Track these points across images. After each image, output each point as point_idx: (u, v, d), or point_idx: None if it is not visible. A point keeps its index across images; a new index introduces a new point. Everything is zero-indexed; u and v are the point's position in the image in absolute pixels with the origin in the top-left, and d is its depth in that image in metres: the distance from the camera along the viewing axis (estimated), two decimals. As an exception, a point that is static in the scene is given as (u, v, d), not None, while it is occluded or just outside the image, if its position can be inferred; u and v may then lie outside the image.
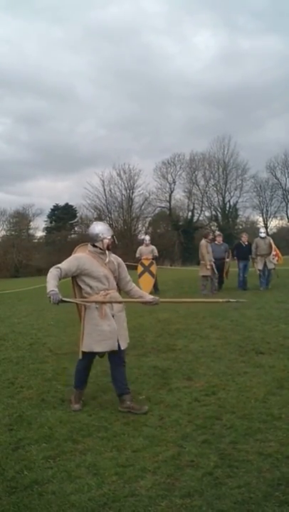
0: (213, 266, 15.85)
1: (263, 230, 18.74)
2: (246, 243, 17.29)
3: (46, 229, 64.18)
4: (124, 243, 54.43)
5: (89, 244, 5.68)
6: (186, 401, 5.50)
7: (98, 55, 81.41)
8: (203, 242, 16.17)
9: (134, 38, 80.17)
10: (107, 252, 5.61)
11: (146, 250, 17.75)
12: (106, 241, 5.59)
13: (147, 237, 18.98)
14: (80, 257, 5.54)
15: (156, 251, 17.96)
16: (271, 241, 16.71)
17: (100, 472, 3.92)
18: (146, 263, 17.25)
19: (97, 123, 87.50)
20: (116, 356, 5.54)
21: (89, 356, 5.59)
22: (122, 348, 5.53)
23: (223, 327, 9.67)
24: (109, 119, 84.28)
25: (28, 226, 64.74)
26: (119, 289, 5.76)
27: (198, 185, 61.79)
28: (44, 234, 63.41)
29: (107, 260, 5.58)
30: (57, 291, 5.13)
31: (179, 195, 62.63)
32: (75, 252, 5.81)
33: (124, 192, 59.56)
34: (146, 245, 17.93)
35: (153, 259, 17.47)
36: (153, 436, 4.56)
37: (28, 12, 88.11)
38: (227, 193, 61.55)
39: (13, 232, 63.13)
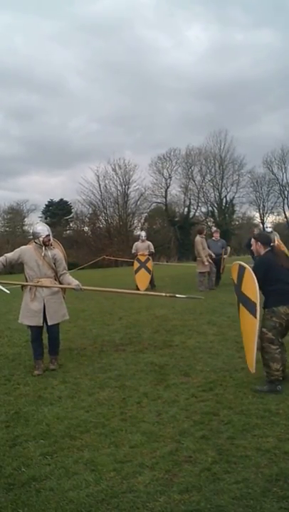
0: (210, 261, 15.86)
1: (269, 224, 18.71)
2: None
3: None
4: (120, 239, 54.45)
5: (33, 240, 7.28)
6: (184, 397, 5.50)
7: (89, 49, 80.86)
8: (198, 238, 16.15)
9: (126, 32, 79.66)
10: (44, 247, 7.06)
11: (143, 246, 17.75)
12: (41, 238, 7.07)
13: (143, 233, 18.97)
14: (23, 249, 7.13)
15: (152, 247, 17.96)
16: (277, 236, 16.65)
17: (98, 468, 3.92)
18: (143, 259, 17.25)
19: (89, 117, 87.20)
20: (49, 328, 7.07)
21: (32, 329, 7.05)
22: (50, 323, 6.99)
23: (220, 323, 9.68)
24: (102, 114, 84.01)
25: (22, 222, 64.54)
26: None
27: (194, 181, 61.77)
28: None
29: (43, 254, 7.04)
30: None
31: (175, 190, 62.59)
32: (28, 244, 7.39)
33: (119, 187, 59.43)
34: (143, 241, 17.93)
35: (149, 255, 17.46)
36: (151, 432, 4.56)
37: (16, 4, 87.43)
38: (223, 188, 61.54)
39: (7, 229, 62.90)
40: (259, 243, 5.86)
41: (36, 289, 7.00)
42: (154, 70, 78.54)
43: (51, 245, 7.22)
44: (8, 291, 7.68)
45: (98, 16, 77.70)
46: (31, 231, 7.30)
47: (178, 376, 6.31)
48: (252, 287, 5.40)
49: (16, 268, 7.78)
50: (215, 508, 3.25)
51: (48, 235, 7.12)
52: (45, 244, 7.07)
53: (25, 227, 61.37)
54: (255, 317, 5.23)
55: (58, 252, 7.26)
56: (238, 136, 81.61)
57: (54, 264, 7.11)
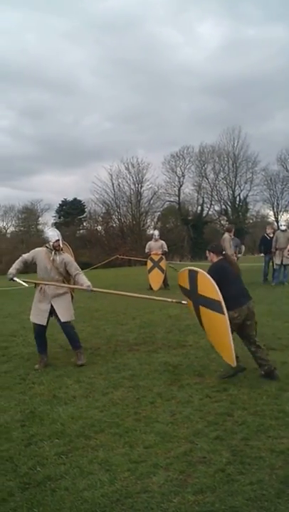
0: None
1: (283, 222, 18.62)
2: (271, 235, 17.17)
3: (55, 224, 64.24)
4: (133, 238, 54.44)
5: (45, 244, 7.62)
6: (198, 397, 5.51)
7: (101, 46, 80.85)
8: (226, 236, 15.94)
9: (138, 28, 79.67)
10: (53, 251, 7.37)
11: (156, 245, 17.73)
12: (51, 243, 7.40)
13: (156, 232, 18.94)
14: (36, 251, 7.53)
15: (165, 246, 17.92)
16: None
17: (113, 468, 3.94)
18: (156, 258, 17.23)
19: (102, 116, 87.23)
20: (63, 326, 7.43)
21: (36, 325, 7.44)
22: (63, 321, 7.34)
23: (233, 323, 9.65)
24: (114, 112, 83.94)
25: (36, 222, 64.84)
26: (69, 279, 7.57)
27: (207, 179, 61.36)
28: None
29: (51, 258, 7.36)
30: (12, 272, 7.39)
31: (188, 189, 62.27)
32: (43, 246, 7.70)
33: (132, 186, 59.26)
34: (156, 240, 17.91)
35: (162, 254, 17.44)
36: (165, 433, 4.57)
37: (28, 3, 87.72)
38: (237, 186, 60.95)
39: (21, 228, 63.28)
40: (212, 253, 6.33)
41: (45, 289, 7.40)
42: (166, 66, 78.37)
43: (61, 250, 7.47)
44: (26, 285, 7.98)
45: (110, 13, 77.74)
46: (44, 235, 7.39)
47: (192, 376, 6.32)
48: (210, 287, 5.67)
49: (30, 268, 7.86)
50: (229, 509, 3.26)
51: (58, 240, 7.39)
52: (55, 248, 7.38)
53: (40, 227, 61.69)
54: (223, 313, 5.53)
55: (66, 255, 7.52)
56: (251, 133, 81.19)
57: (65, 267, 7.39)
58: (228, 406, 5.17)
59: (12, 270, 7.42)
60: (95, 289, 7.41)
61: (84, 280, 7.32)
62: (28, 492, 3.65)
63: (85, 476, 3.84)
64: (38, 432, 4.80)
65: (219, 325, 5.69)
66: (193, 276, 6.09)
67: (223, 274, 5.96)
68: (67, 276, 7.53)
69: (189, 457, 4.05)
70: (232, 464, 3.89)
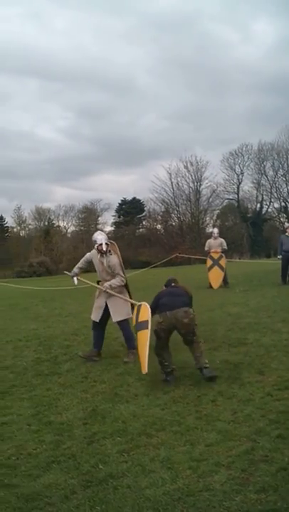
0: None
1: None
2: None
3: (115, 223, 64.84)
4: (192, 237, 54.29)
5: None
6: (259, 395, 5.45)
7: (157, 45, 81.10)
8: (282, 236, 15.90)
9: (193, 27, 79.38)
10: (100, 253, 7.78)
11: (215, 243, 17.59)
12: (96, 246, 7.79)
13: (216, 230, 18.78)
14: (92, 253, 8.01)
15: (225, 244, 17.75)
16: None
17: (174, 466, 3.95)
18: (216, 256, 17.09)
19: (158, 115, 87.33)
20: (119, 324, 7.86)
21: (92, 321, 8.01)
22: (114, 321, 7.79)
23: (295, 320, 9.51)
24: (171, 110, 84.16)
25: (96, 221, 65.56)
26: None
27: (266, 176, 60.47)
28: (113, 229, 64.04)
29: (97, 260, 7.84)
30: (75, 272, 8.09)
31: (247, 186, 61.64)
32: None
33: (191, 184, 59.08)
34: (215, 238, 17.76)
35: (222, 252, 17.30)
36: (226, 431, 4.55)
37: (84, 3, 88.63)
38: (297, 183, 59.99)
39: (82, 228, 64.14)
40: (164, 286, 7.20)
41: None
42: (223, 64, 78.05)
43: (109, 252, 7.85)
44: (76, 283, 8.23)
45: (165, 12, 77.85)
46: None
47: (252, 374, 6.26)
48: (145, 313, 6.61)
49: (92, 267, 8.07)
50: (292, 508, 3.21)
51: (101, 244, 7.75)
52: (100, 251, 7.79)
53: (99, 226, 62.28)
54: (147, 328, 6.36)
55: (112, 258, 7.82)
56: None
57: (110, 269, 7.82)
58: (291, 404, 5.09)
59: (75, 269, 8.13)
60: (109, 290, 7.69)
61: (112, 281, 7.72)
62: (91, 490, 3.70)
63: (146, 474, 3.86)
64: (100, 429, 4.86)
65: (144, 338, 6.35)
66: (138, 308, 7.02)
67: (156, 299, 6.80)
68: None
69: (251, 456, 4.02)
70: (295, 463, 3.84)
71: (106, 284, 7.68)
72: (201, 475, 3.77)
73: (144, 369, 6.04)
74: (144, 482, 3.73)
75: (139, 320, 6.75)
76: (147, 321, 6.46)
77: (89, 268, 8.17)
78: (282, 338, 8.04)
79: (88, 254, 8.17)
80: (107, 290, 7.64)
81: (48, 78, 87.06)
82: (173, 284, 7.15)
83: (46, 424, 5.12)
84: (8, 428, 5.08)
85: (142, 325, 6.56)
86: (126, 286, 7.93)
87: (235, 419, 4.85)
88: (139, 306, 7.00)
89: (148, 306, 6.72)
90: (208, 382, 6.02)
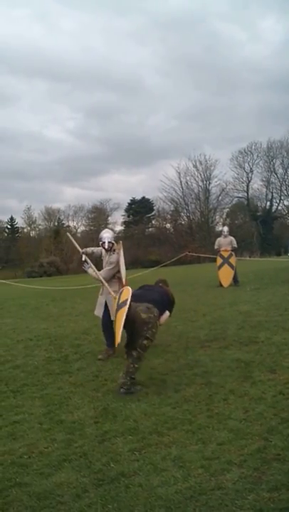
0: None
1: None
2: None
3: (124, 223, 64.95)
4: (201, 235, 54.27)
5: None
6: (271, 394, 5.42)
7: (165, 45, 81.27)
8: None
9: (201, 26, 79.55)
10: (105, 251, 8.14)
11: (225, 242, 17.59)
12: (100, 243, 8.17)
13: (226, 228, 18.79)
14: (100, 249, 8.29)
15: (235, 242, 17.74)
16: None
17: (186, 465, 3.93)
18: (226, 255, 17.08)
19: (167, 114, 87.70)
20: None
21: (102, 322, 8.18)
22: (112, 318, 7.40)
23: (306, 318, 9.46)
24: (179, 110, 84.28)
25: (106, 221, 65.69)
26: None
27: (276, 174, 60.53)
28: (122, 228, 64.17)
29: (103, 256, 8.22)
30: (87, 251, 8.30)
31: (256, 184, 61.75)
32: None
33: (200, 183, 59.30)
34: (225, 237, 17.77)
35: (232, 250, 17.27)
36: (238, 430, 4.52)
37: (91, 4, 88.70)
38: (307, 180, 59.75)
39: (91, 227, 64.27)
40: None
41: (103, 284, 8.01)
42: (231, 63, 78.32)
43: (113, 250, 8.12)
44: (83, 258, 8.24)
45: (173, 12, 78.02)
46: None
47: (264, 373, 6.22)
48: (126, 294, 6.26)
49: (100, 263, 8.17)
50: (306, 507, 3.19)
51: (104, 243, 8.12)
52: (105, 249, 8.14)
53: (109, 226, 62.37)
54: (126, 305, 5.97)
55: (115, 256, 8.07)
56: None
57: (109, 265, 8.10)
58: (303, 403, 5.07)
59: (87, 249, 8.46)
60: (90, 270, 7.96)
61: (102, 272, 8.00)
62: (102, 488, 3.70)
63: (158, 473, 3.85)
64: (111, 428, 4.85)
65: (121, 314, 6.11)
66: (120, 292, 6.77)
67: (137, 290, 6.75)
68: (118, 275, 8.09)
69: (263, 454, 3.99)
70: (308, 461, 3.81)
71: (94, 271, 7.88)
72: (213, 474, 3.75)
73: (118, 340, 5.99)
74: (155, 481, 3.72)
75: (120, 301, 6.54)
76: (127, 299, 6.13)
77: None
78: (293, 336, 8.00)
79: (98, 248, 8.39)
80: (85, 260, 7.98)
81: (57, 79, 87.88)
82: (160, 285, 7.14)
83: (58, 423, 5.11)
84: (20, 427, 5.09)
85: (122, 304, 6.31)
86: (122, 285, 7.91)
87: (247, 417, 4.82)
88: (122, 290, 6.87)
89: (130, 289, 6.47)
90: (219, 381, 6.00)
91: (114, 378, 6.53)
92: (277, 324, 9.11)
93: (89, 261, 8.05)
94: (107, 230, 8.59)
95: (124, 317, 5.90)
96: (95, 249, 8.48)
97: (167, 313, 6.60)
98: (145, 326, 6.08)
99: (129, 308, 5.93)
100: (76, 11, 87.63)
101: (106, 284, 7.77)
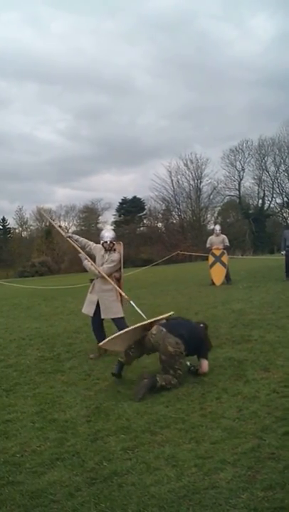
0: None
1: None
2: None
3: (115, 223, 64.85)
4: (193, 234, 54.30)
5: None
6: (265, 392, 5.40)
7: (155, 45, 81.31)
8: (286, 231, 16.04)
9: (191, 24, 79.56)
10: (105, 250, 8.04)
11: (217, 240, 17.62)
12: (102, 242, 8.09)
13: (218, 227, 18.84)
14: (96, 246, 8.21)
15: (227, 240, 17.78)
16: None
17: (179, 464, 3.91)
18: (218, 253, 17.11)
19: (157, 114, 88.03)
20: (114, 322, 7.95)
21: (91, 318, 8.07)
22: (102, 317, 7.87)
23: (299, 317, 9.46)
24: (170, 109, 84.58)
25: (97, 220, 65.69)
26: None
27: (268, 172, 60.60)
28: (113, 228, 64.13)
29: (100, 255, 8.05)
30: (74, 236, 8.45)
31: (248, 182, 61.98)
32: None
33: (191, 182, 59.33)
34: (217, 235, 17.80)
35: (224, 249, 17.28)
36: (232, 428, 4.50)
37: (81, 5, 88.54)
38: (299, 177, 59.85)
39: (82, 227, 64.20)
40: None
41: (94, 283, 8.04)
42: (221, 61, 78.39)
43: (113, 250, 8.11)
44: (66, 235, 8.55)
45: (162, 11, 78.14)
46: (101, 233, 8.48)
47: (258, 371, 6.21)
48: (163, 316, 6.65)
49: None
50: (300, 505, 3.17)
51: (106, 242, 8.07)
52: (105, 248, 8.07)
53: (100, 225, 62.37)
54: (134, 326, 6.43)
55: (115, 255, 8.05)
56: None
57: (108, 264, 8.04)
58: (296, 401, 5.05)
59: (73, 235, 8.51)
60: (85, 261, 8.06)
61: (102, 268, 7.89)
62: (95, 487, 3.67)
63: (151, 472, 3.82)
64: (103, 427, 4.83)
65: (139, 328, 6.40)
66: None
67: (172, 320, 6.65)
68: (116, 275, 8.05)
69: (257, 453, 3.97)
70: (302, 460, 3.80)
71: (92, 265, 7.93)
72: (207, 472, 3.73)
73: (106, 340, 6.45)
74: (148, 480, 3.70)
75: (153, 320, 6.56)
76: (159, 321, 6.41)
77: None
78: (287, 335, 7.99)
79: (95, 245, 8.28)
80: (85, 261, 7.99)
81: (47, 81, 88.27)
82: (201, 325, 6.66)
83: (50, 422, 5.09)
84: (13, 425, 5.06)
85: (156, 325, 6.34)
86: (119, 285, 8.02)
87: (240, 416, 4.80)
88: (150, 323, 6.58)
89: (168, 314, 6.78)
90: (212, 380, 5.99)
91: (107, 377, 6.51)
92: (271, 322, 9.11)
93: (77, 242, 8.28)
94: (109, 229, 8.68)
95: (124, 332, 6.18)
96: (84, 241, 8.37)
97: (206, 361, 6.31)
98: (170, 359, 5.94)
99: (156, 335, 6.08)
100: (65, 13, 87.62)
101: (102, 272, 7.80)
